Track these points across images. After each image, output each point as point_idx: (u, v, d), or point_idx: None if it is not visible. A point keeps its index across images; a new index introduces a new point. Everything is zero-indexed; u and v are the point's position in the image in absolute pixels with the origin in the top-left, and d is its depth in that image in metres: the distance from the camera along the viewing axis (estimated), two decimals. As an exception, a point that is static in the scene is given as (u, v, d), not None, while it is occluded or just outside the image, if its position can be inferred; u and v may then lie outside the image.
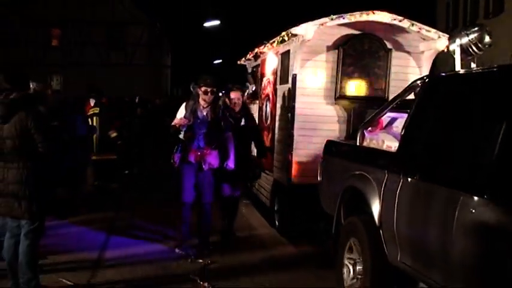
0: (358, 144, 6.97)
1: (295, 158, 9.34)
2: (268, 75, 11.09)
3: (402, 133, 5.83)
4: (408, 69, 9.68)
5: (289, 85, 9.48)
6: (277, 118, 10.27)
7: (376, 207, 5.85)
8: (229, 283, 7.28)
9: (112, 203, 11.90)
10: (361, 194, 6.17)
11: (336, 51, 9.37)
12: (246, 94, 12.52)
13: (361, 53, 9.37)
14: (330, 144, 7.80)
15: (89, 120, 12.46)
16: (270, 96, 10.82)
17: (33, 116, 6.07)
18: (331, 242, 6.98)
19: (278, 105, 10.24)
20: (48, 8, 39.73)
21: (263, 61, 11.65)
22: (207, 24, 40.58)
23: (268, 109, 10.90)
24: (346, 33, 9.40)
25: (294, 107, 9.33)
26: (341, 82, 9.33)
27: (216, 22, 40.32)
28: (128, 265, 7.77)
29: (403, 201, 5.37)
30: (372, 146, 6.72)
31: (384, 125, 7.11)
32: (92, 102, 12.93)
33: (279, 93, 10.21)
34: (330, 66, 9.41)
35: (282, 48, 10.06)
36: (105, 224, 10.07)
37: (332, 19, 8.91)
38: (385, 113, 6.84)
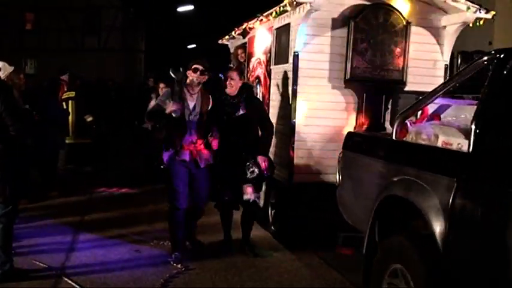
0: (395, 138, 4.97)
1: (298, 153, 7.39)
2: (259, 55, 9.08)
3: (475, 126, 3.86)
4: (427, 47, 7.75)
5: (289, 66, 7.52)
6: (271, 104, 8.29)
7: (439, 228, 3.93)
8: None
9: (85, 186, 11.25)
10: (413, 207, 4.23)
11: (346, 24, 7.37)
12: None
13: (375, 27, 7.42)
14: (352, 137, 5.83)
15: (64, 104, 11.51)
16: (262, 78, 8.81)
17: (4, 99, 5.75)
18: (363, 266, 4.99)
19: (273, 90, 8.26)
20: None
21: (251, 39, 9.61)
22: (180, 8, 38.62)
23: (260, 94, 8.88)
24: (357, 3, 7.43)
25: (295, 91, 7.36)
26: (352, 62, 7.37)
27: (190, 7, 38.32)
28: (102, 248, 7.21)
29: (491, 225, 3.45)
30: (419, 141, 4.73)
31: (429, 114, 5.15)
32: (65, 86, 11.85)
33: (274, 76, 8.22)
34: (339, 43, 7.44)
35: (278, 22, 8.05)
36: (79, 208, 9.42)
37: (344, -16, 6.91)
38: (434, 99, 4.85)
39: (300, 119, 7.37)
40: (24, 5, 38.36)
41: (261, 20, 8.42)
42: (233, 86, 6.91)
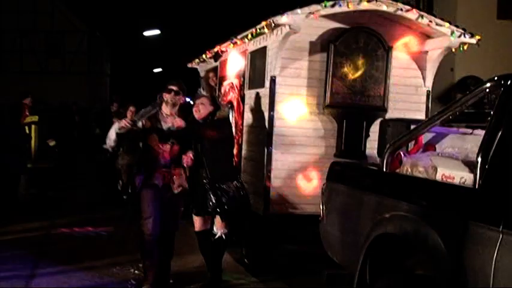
0: (384, 169, 4.51)
1: (274, 182, 6.89)
2: (231, 79, 8.62)
3: (482, 158, 3.43)
4: (409, 72, 7.37)
5: (265, 90, 7.06)
6: (245, 130, 7.81)
7: (442, 270, 3.48)
8: None
9: (47, 211, 10.68)
10: (409, 246, 3.79)
11: (325, 48, 6.96)
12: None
13: (355, 51, 7.04)
14: (337, 168, 5.33)
15: (26, 128, 11.11)
16: (235, 103, 8.34)
17: None
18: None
19: (246, 115, 7.78)
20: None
21: (223, 62, 9.16)
22: (146, 33, 38.02)
23: (232, 119, 8.37)
24: (337, 26, 7.03)
25: (272, 117, 6.90)
26: (331, 87, 6.95)
27: (156, 31, 37.77)
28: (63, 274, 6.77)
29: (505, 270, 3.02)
30: (415, 173, 4.28)
31: (424, 144, 4.72)
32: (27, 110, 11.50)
33: (248, 101, 7.75)
34: (317, 67, 7.04)
35: (253, 45, 7.61)
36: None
37: (325, 6, 6.50)
38: (429, 128, 4.42)
39: (277, 146, 6.89)
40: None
41: (235, 42, 7.97)
42: (201, 111, 6.42)
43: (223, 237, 6.41)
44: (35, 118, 11.34)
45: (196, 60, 10.70)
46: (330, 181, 5.34)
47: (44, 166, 11.78)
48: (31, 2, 37.21)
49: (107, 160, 11.56)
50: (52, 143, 11.70)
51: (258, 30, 6.91)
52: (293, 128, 6.97)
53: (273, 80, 6.87)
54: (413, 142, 4.75)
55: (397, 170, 4.53)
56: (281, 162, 6.92)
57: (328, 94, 6.92)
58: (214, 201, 6.25)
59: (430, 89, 7.41)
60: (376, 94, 7.06)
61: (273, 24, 6.53)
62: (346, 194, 4.95)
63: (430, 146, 4.77)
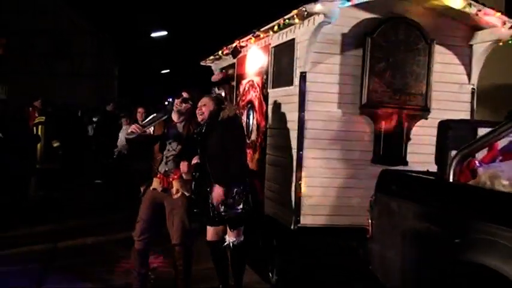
0: (451, 180, 3.68)
1: (306, 190, 6.04)
2: (251, 77, 7.77)
3: None
4: (452, 68, 6.53)
5: (294, 89, 6.23)
6: (269, 133, 6.97)
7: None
8: None
9: (55, 213, 10.27)
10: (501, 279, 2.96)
11: (361, 41, 6.12)
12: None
13: (394, 44, 6.18)
14: (389, 177, 4.49)
15: (34, 128, 11.04)
16: (256, 103, 7.50)
17: None
18: None
19: (271, 116, 6.93)
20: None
21: (241, 59, 8.31)
22: (154, 34, 37.32)
23: (253, 121, 7.57)
24: (372, 16, 6.20)
25: (302, 118, 6.06)
26: (368, 84, 6.09)
27: (164, 32, 37.07)
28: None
29: None
30: (497, 187, 3.44)
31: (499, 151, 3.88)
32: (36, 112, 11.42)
33: (272, 100, 6.90)
34: (352, 62, 6.19)
35: (278, 39, 6.78)
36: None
37: (361, -8, 5.68)
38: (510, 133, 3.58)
39: (308, 150, 6.06)
40: (-4, 30, 36.78)
41: (257, 36, 7.12)
42: (205, 113, 5.81)
43: (231, 245, 5.82)
44: (42, 119, 11.17)
45: (211, 57, 9.84)
46: (381, 193, 4.51)
47: (50, 167, 11.42)
48: (40, 3, 36.64)
49: (114, 162, 11.28)
50: (56, 144, 11.30)
51: (287, 20, 6.08)
52: (326, 131, 6.13)
53: (303, 77, 6.03)
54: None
55: (470, 182, 3.70)
56: (313, 168, 6.08)
57: (364, 92, 6.08)
58: (219, 209, 5.67)
59: (476, 87, 6.56)
60: (418, 92, 6.22)
61: (305, 13, 5.69)
62: (405, 210, 4.12)
63: (506, 154, 3.93)
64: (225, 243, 5.84)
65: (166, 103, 20.96)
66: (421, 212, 3.82)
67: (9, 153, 9.08)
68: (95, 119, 15.92)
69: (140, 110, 10.34)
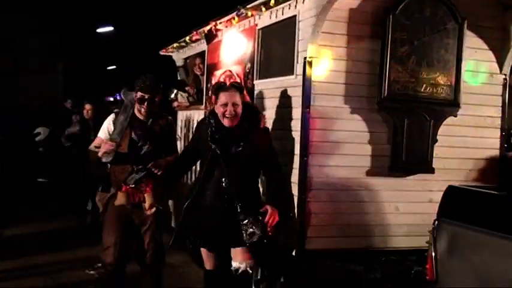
0: None
1: (312, 207, 4.63)
2: (229, 66, 6.31)
3: None
4: (482, 54, 5.21)
5: (294, 78, 4.80)
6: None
7: None
8: None
9: None
10: None
11: (378, 19, 4.75)
12: (174, 94, 8.00)
13: (419, 23, 4.79)
14: (460, 197, 3.11)
15: None
16: (235, 98, 6.00)
17: None
18: None
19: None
20: None
21: (213, 46, 6.83)
22: (100, 30, 35.41)
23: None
24: (391, -11, 4.80)
25: (305, 115, 4.62)
26: (389, 73, 4.70)
27: (110, 28, 35.22)
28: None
29: None
30: None
31: None
32: None
33: (261, 94, 5.46)
34: (368, 45, 4.79)
35: (268, 19, 5.35)
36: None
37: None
38: None
39: (315, 156, 4.66)
40: None
41: (242, 15, 5.64)
42: (239, 114, 4.31)
43: (249, 270, 4.41)
44: None
45: (175, 44, 8.27)
46: (448, 219, 3.12)
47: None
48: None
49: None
50: None
51: (289, -8, 4.65)
52: (336, 131, 4.74)
53: (308, 64, 4.60)
54: None
55: None
56: (320, 179, 4.68)
57: (385, 83, 4.69)
58: (249, 231, 4.17)
59: (508, 77, 5.28)
60: (446, 83, 4.87)
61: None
62: (487, 244, 2.75)
63: None
64: (241, 269, 4.35)
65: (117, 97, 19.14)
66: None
67: None
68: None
69: (87, 106, 8.93)
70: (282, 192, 4.41)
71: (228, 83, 6.11)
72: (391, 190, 4.88)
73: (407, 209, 4.92)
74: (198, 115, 7.20)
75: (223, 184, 4.25)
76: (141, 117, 4.72)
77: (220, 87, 4.45)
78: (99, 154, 4.44)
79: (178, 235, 4.45)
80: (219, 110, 4.32)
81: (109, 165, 4.71)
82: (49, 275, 6.37)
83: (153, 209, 4.57)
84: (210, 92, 6.87)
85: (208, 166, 4.31)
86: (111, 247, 4.66)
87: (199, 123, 4.76)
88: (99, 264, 5.61)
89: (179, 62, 8.70)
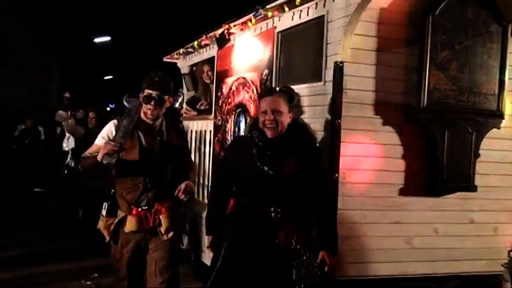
0: None
1: (343, 230, 4.09)
2: (242, 73, 5.79)
3: None
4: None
5: (322, 85, 4.28)
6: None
7: None
8: None
9: None
10: None
11: (415, 21, 4.23)
12: (178, 103, 7.46)
13: (461, 26, 4.28)
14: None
15: None
16: (251, 106, 5.51)
17: None
18: None
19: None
20: None
21: (224, 52, 6.31)
22: (97, 39, 34.99)
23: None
24: (430, -10, 4.29)
25: (337, 127, 4.08)
26: (429, 80, 4.17)
27: (107, 38, 34.82)
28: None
29: None
30: None
31: None
32: None
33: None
34: (404, 50, 4.27)
35: (290, 20, 4.84)
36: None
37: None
38: None
39: (347, 173, 4.12)
40: None
41: (259, 16, 5.11)
42: (283, 123, 3.68)
43: None
44: None
45: (181, 50, 7.72)
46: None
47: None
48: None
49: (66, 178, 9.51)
50: None
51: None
52: (369, 145, 4.21)
53: (339, 69, 4.07)
54: None
55: None
56: (352, 198, 4.14)
57: (424, 91, 4.16)
58: (303, 271, 3.53)
59: (552, 86, 4.78)
60: (489, 92, 4.36)
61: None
62: None
63: None
64: None
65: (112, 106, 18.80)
66: None
67: None
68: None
69: (91, 114, 8.60)
70: (334, 230, 3.80)
71: (242, 92, 5.66)
72: (428, 210, 4.36)
73: (446, 230, 4.40)
74: (207, 126, 6.69)
75: (272, 214, 3.62)
76: (148, 120, 4.12)
77: (263, 92, 3.89)
78: (99, 157, 3.82)
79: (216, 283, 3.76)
80: (260, 119, 3.72)
81: (112, 189, 4.16)
82: (44, 285, 6.06)
83: (171, 234, 4.03)
84: (219, 101, 6.40)
85: (253, 192, 3.69)
86: (124, 280, 4.17)
87: (234, 141, 4.20)
88: (96, 275, 5.64)
89: (184, 70, 8.17)
